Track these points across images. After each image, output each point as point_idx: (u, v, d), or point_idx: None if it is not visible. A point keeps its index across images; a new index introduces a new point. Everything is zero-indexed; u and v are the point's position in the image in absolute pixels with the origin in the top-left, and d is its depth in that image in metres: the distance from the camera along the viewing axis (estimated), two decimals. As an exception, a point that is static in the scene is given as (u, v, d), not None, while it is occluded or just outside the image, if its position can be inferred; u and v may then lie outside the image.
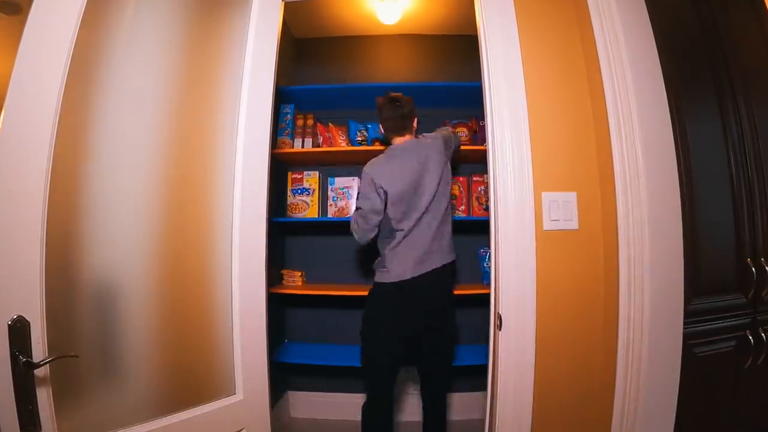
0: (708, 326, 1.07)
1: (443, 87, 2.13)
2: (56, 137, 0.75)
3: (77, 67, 0.79)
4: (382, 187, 1.57)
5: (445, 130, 1.83)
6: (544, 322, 1.10)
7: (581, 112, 1.17)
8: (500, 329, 1.10)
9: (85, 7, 0.81)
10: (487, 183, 2.02)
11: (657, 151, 1.02)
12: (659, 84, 1.05)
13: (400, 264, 1.58)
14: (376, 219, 1.60)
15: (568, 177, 1.14)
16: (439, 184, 1.60)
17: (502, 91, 1.14)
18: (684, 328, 1.00)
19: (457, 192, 2.19)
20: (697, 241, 1.06)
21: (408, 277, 1.56)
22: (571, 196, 1.13)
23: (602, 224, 1.13)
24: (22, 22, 0.75)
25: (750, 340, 1.08)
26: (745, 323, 1.09)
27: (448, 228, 1.66)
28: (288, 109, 2.18)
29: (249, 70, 1.11)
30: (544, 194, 1.12)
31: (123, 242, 0.89)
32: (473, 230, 2.22)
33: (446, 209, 1.64)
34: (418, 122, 1.75)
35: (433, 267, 1.58)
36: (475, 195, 2.20)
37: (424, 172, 1.60)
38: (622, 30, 1.06)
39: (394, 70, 2.39)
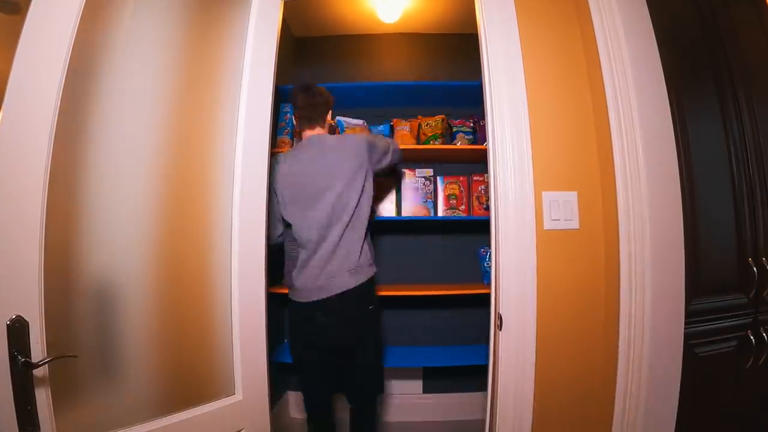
0: (709, 326, 1.07)
1: (443, 86, 2.12)
2: (55, 137, 0.75)
3: (76, 66, 0.79)
4: (278, 191, 1.43)
5: (378, 137, 1.59)
6: (544, 322, 1.09)
7: (582, 110, 1.16)
8: (501, 329, 1.10)
9: (84, 6, 0.80)
10: (487, 182, 2.02)
11: (658, 149, 1.02)
12: (660, 81, 1.04)
13: (303, 283, 1.41)
14: (279, 227, 1.47)
15: (569, 176, 1.14)
16: (342, 193, 1.39)
17: (502, 89, 1.13)
18: (685, 328, 1.00)
19: (457, 191, 2.19)
20: (698, 240, 1.06)
21: (311, 299, 1.40)
22: (572, 196, 1.13)
23: (603, 223, 1.13)
24: (21, 22, 0.74)
25: (751, 340, 1.07)
26: (747, 323, 1.09)
27: (356, 244, 1.41)
28: (288, 108, 2.18)
29: (248, 68, 1.11)
30: (544, 193, 1.12)
31: (122, 241, 0.88)
32: (473, 230, 2.22)
33: (350, 222, 1.40)
34: (334, 117, 1.59)
35: (338, 291, 1.38)
36: (475, 194, 2.19)
37: (325, 176, 1.40)
38: (622, 26, 1.06)
39: (394, 69, 2.38)
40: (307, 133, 1.54)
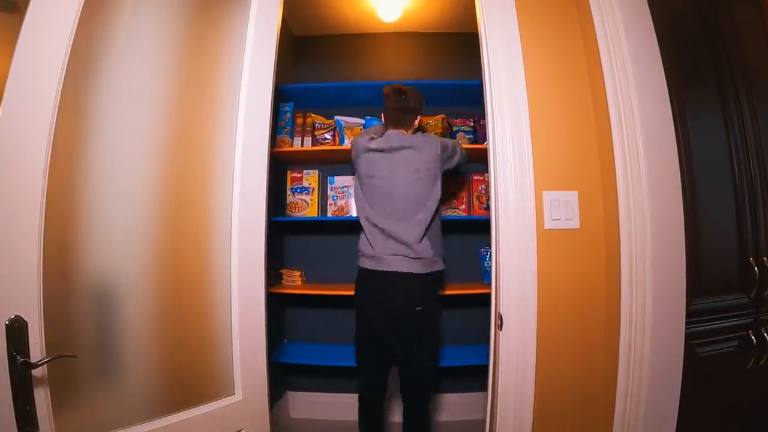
0: (710, 326, 1.06)
1: (443, 85, 2.12)
2: (54, 136, 0.75)
3: (75, 65, 0.78)
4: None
5: (453, 141, 1.73)
6: (545, 322, 1.09)
7: (582, 109, 1.16)
8: (501, 329, 1.10)
9: (83, 5, 0.80)
10: (487, 182, 2.02)
11: (659, 148, 1.01)
12: (661, 79, 1.04)
13: (367, 251, 1.56)
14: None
15: (570, 175, 1.14)
16: (414, 185, 1.53)
17: (502, 88, 1.13)
18: (686, 328, 1.00)
19: (457, 190, 2.19)
20: (699, 239, 1.06)
21: (368, 267, 1.55)
22: (573, 195, 1.13)
23: (604, 223, 1.12)
24: (20, 21, 0.74)
25: (752, 340, 1.07)
26: (748, 323, 1.08)
27: (426, 233, 1.54)
28: (287, 107, 2.18)
29: (248, 67, 1.10)
30: (545, 193, 1.12)
31: (121, 241, 0.88)
32: (474, 229, 2.21)
33: (423, 212, 1.53)
34: (420, 122, 1.70)
35: (398, 270, 1.51)
36: (475, 194, 2.19)
37: (399, 165, 1.54)
38: (623, 25, 1.05)
39: (394, 68, 2.38)
40: (391, 131, 1.65)
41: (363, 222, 1.61)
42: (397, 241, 1.53)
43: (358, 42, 2.40)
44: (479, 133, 2.14)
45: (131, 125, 0.90)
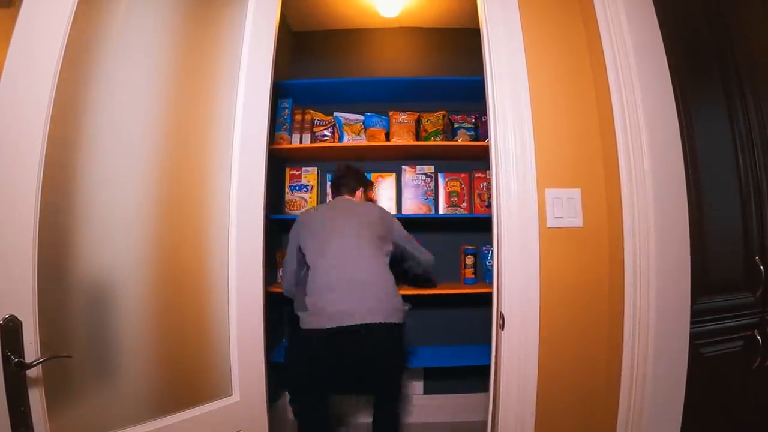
0: (715, 326, 1.05)
1: (444, 81, 2.10)
2: (49, 133, 0.74)
3: (70, 61, 0.77)
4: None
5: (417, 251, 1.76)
6: (547, 322, 1.08)
7: (585, 105, 1.15)
8: (503, 329, 1.09)
9: (78, 0, 0.79)
10: (489, 179, 2.00)
11: (663, 145, 1.00)
12: (665, 75, 1.03)
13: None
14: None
15: (572, 173, 1.12)
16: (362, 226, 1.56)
17: (504, 84, 1.12)
18: (690, 328, 0.99)
19: (459, 188, 2.17)
20: (704, 238, 1.04)
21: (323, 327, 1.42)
22: (575, 193, 1.11)
23: (607, 221, 1.11)
24: (14, 15, 0.73)
25: (758, 340, 1.06)
26: (753, 323, 1.07)
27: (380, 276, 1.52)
28: (286, 103, 2.16)
29: (246, 63, 1.09)
30: (547, 191, 1.10)
31: (118, 240, 0.87)
32: (475, 228, 2.20)
33: (373, 254, 1.53)
34: (364, 194, 1.82)
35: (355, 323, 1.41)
36: (477, 191, 2.17)
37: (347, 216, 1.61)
38: (626, 20, 1.04)
39: (394, 64, 2.36)
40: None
41: None
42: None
43: (358, 37, 2.38)
44: (480, 130, 2.12)
45: (127, 121, 0.89)
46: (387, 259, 1.58)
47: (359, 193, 1.81)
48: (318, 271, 1.52)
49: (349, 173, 1.80)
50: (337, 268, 1.49)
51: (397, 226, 1.71)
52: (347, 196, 1.78)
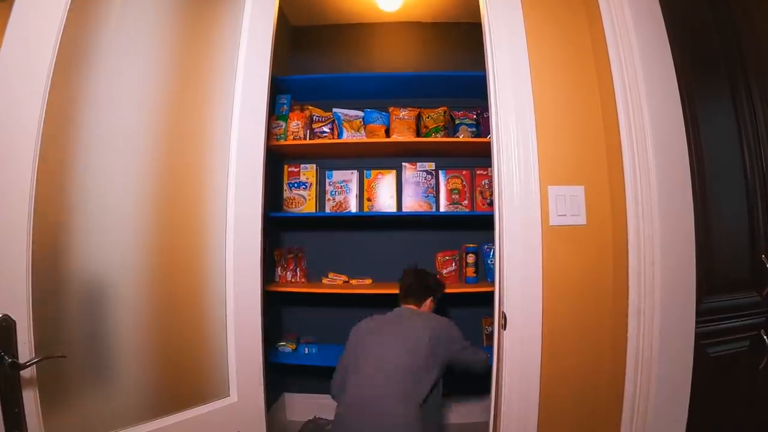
0: (721, 326, 1.04)
1: (445, 77, 2.08)
2: (43, 130, 0.73)
3: (65, 56, 0.76)
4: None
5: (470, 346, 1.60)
6: (550, 321, 1.07)
7: (589, 102, 1.13)
8: (505, 329, 1.07)
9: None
10: (491, 176, 1.99)
11: (667, 142, 0.99)
12: (670, 70, 1.01)
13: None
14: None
15: (576, 170, 1.11)
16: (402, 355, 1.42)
17: (506, 80, 1.10)
18: (696, 328, 0.97)
19: (460, 186, 2.16)
20: (709, 236, 1.03)
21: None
22: (579, 190, 1.10)
23: (611, 219, 1.09)
24: (8, 9, 0.71)
25: (765, 339, 1.04)
26: (760, 322, 1.06)
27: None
28: (284, 99, 2.14)
29: (244, 58, 1.08)
30: (550, 188, 1.09)
31: (113, 238, 0.86)
32: (476, 226, 2.18)
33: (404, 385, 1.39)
34: (434, 302, 1.72)
35: None
36: (478, 189, 2.16)
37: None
38: (631, 15, 1.02)
39: (394, 59, 2.34)
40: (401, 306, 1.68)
41: None
42: None
43: (358, 32, 2.35)
44: (482, 126, 2.10)
45: (123, 118, 0.88)
46: (418, 397, 1.42)
47: (429, 302, 1.71)
48: (349, 387, 1.47)
49: (418, 279, 1.71)
50: (363, 396, 1.43)
51: (452, 341, 1.55)
52: (413, 306, 1.68)
